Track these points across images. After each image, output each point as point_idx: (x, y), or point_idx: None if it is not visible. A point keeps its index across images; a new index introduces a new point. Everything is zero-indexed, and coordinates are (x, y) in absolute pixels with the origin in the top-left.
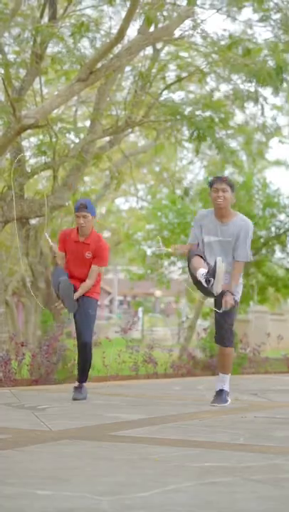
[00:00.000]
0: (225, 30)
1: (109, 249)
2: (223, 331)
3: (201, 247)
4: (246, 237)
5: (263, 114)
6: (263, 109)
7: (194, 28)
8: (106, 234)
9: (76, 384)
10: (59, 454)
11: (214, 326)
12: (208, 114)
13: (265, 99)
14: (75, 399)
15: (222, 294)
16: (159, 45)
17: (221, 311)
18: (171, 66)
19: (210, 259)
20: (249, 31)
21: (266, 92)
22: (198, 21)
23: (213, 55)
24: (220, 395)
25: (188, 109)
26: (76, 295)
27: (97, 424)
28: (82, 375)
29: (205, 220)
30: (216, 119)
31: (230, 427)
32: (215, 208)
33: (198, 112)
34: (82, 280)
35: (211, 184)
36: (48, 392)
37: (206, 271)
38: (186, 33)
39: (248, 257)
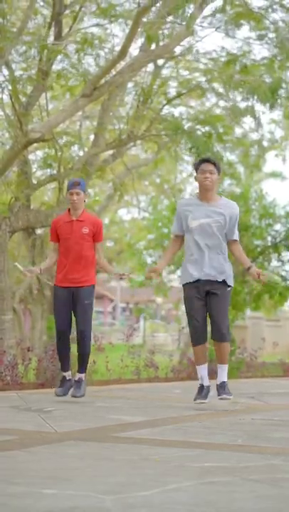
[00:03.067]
0: (223, 48)
1: (102, 223)
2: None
3: (188, 238)
4: (237, 218)
5: (258, 129)
6: (259, 124)
7: (190, 49)
8: (109, 243)
9: (76, 376)
10: (63, 455)
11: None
12: (207, 128)
13: (262, 113)
14: (73, 396)
15: (248, 269)
16: (160, 62)
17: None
18: (172, 82)
19: (198, 249)
20: (247, 49)
21: (263, 107)
22: (197, 40)
23: (213, 72)
24: (225, 386)
25: (187, 125)
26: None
27: (100, 426)
28: (81, 366)
29: (191, 206)
30: (214, 134)
31: (228, 429)
32: (200, 191)
33: (197, 127)
34: (80, 260)
35: (197, 166)
36: (53, 395)
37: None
38: (186, 50)
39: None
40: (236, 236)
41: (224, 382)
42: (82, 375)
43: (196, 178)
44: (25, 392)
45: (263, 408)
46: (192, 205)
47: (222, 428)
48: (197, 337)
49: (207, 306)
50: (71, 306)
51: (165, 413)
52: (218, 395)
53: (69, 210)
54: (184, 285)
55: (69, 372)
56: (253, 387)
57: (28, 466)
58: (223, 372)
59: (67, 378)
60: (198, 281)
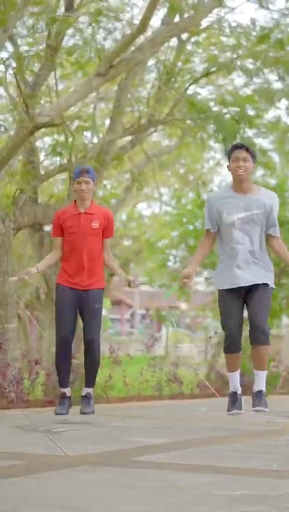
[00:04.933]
0: (255, 21)
1: (113, 216)
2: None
3: (224, 234)
4: (276, 210)
5: None
6: None
7: (218, 22)
8: (126, 242)
9: (83, 391)
10: (76, 481)
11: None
12: (235, 111)
13: None
14: (83, 413)
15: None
16: (184, 37)
17: None
18: (198, 59)
19: (233, 245)
20: (282, 22)
21: None
22: (226, 11)
23: (244, 48)
24: (262, 397)
25: (215, 108)
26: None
27: (117, 449)
28: (90, 379)
29: (225, 199)
30: (244, 118)
31: (262, 452)
32: (234, 181)
33: (225, 111)
34: (88, 260)
35: (229, 153)
36: (63, 414)
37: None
38: (214, 23)
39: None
40: (277, 233)
41: (261, 391)
42: (91, 390)
43: (228, 167)
44: (31, 411)
45: None
46: (226, 198)
47: (254, 451)
48: (231, 344)
49: (247, 307)
50: (76, 309)
51: (190, 434)
52: (253, 406)
53: (75, 201)
54: (219, 289)
55: (69, 389)
56: None
57: (36, 494)
58: (260, 381)
59: (68, 395)
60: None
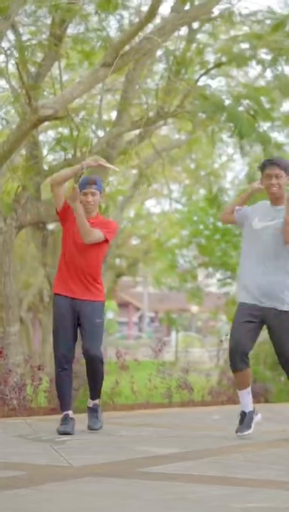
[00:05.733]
0: (270, 8)
1: (116, 226)
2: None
3: (251, 240)
4: None
5: None
6: None
7: (231, 9)
8: (134, 241)
9: (89, 403)
10: (81, 493)
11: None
12: (249, 103)
13: None
14: (91, 429)
15: None
16: (195, 25)
17: None
18: (210, 49)
19: (261, 253)
20: None
21: None
22: None
23: (258, 37)
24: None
25: (228, 101)
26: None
27: (124, 459)
28: (94, 391)
29: (257, 208)
30: (260, 111)
31: (276, 463)
32: (269, 198)
33: (239, 103)
34: (84, 267)
35: (262, 169)
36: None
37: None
38: (227, 11)
39: None
40: None
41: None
42: (97, 401)
43: (261, 182)
44: (34, 419)
45: None
46: (262, 207)
47: (268, 462)
48: (234, 361)
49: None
50: (75, 322)
51: (201, 444)
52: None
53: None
54: (239, 302)
55: (71, 412)
56: None
57: (39, 507)
58: None
59: (70, 417)
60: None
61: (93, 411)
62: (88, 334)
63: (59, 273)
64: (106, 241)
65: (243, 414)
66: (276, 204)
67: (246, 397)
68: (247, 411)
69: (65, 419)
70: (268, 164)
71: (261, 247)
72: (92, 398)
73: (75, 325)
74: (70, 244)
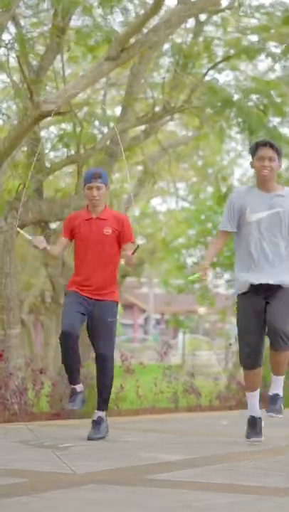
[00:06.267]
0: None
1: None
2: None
3: (245, 233)
4: None
5: None
6: None
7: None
8: (140, 241)
9: (94, 416)
10: (84, 501)
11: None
12: (257, 97)
13: None
14: (90, 439)
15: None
16: (203, 17)
17: None
18: (218, 42)
19: (255, 248)
20: None
21: None
22: None
23: (268, 29)
24: (278, 400)
25: (237, 96)
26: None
27: (129, 466)
28: (102, 401)
29: (248, 195)
30: (270, 105)
31: (285, 470)
32: (258, 181)
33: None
34: (99, 269)
35: (253, 150)
36: (71, 428)
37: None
38: (235, 2)
39: None
40: None
41: (277, 394)
42: (103, 414)
43: (252, 165)
44: (36, 424)
45: None
46: (250, 196)
47: (277, 469)
48: (249, 359)
49: (266, 313)
50: (85, 310)
51: (209, 450)
52: (267, 412)
53: (87, 206)
54: (237, 296)
55: (81, 385)
56: None
57: None
58: (277, 384)
59: (78, 390)
60: (254, 288)
61: (96, 424)
62: (100, 332)
63: (74, 274)
64: (119, 244)
65: (253, 420)
66: (267, 190)
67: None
68: (257, 416)
69: (73, 395)
70: (261, 145)
71: (257, 239)
72: (100, 408)
73: (84, 312)
74: (90, 247)
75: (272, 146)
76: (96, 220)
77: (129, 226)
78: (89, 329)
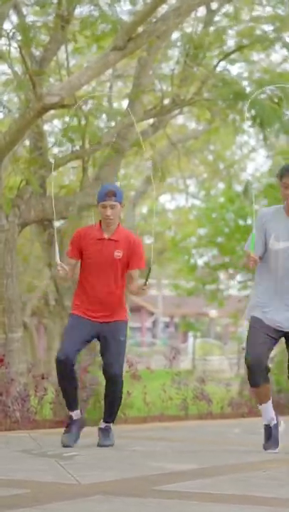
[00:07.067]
0: None
1: (142, 245)
2: None
3: (268, 260)
4: None
5: None
6: None
7: None
8: (148, 240)
9: (101, 424)
10: None
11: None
12: (272, 90)
13: None
14: (102, 445)
15: None
16: (214, 6)
17: None
18: (230, 31)
19: (278, 276)
20: None
21: None
22: None
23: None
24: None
25: (249, 88)
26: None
27: (136, 476)
28: (110, 414)
29: (272, 220)
30: (284, 98)
31: None
32: (286, 206)
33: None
34: (106, 294)
35: (280, 177)
36: (70, 447)
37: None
38: None
39: None
40: None
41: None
42: (110, 425)
43: (280, 184)
44: (39, 432)
45: None
46: (274, 220)
47: None
48: (253, 377)
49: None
50: (89, 336)
51: (220, 460)
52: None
53: (100, 222)
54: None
55: (77, 412)
56: None
57: None
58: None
59: (75, 418)
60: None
61: (105, 431)
62: (112, 351)
63: (77, 296)
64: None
65: (269, 429)
66: None
67: (270, 409)
68: (272, 425)
69: (69, 426)
70: (285, 173)
71: (281, 271)
72: (107, 420)
73: (87, 336)
74: (99, 268)
75: None
76: (108, 242)
77: (140, 250)
78: (100, 348)
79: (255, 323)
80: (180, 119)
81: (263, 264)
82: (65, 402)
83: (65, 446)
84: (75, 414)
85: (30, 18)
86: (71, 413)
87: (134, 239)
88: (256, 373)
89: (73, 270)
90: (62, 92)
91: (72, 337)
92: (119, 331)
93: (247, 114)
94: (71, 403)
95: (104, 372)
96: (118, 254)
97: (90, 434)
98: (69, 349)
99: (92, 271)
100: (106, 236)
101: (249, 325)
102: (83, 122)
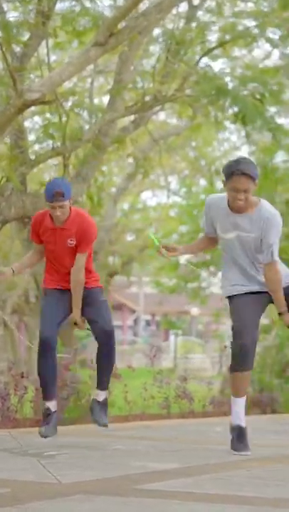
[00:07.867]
0: None
1: (95, 225)
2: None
3: (221, 244)
4: (278, 233)
5: None
6: None
7: None
8: (129, 237)
9: (99, 396)
10: None
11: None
12: (254, 86)
13: None
14: (101, 424)
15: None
16: (196, 1)
17: None
18: (212, 27)
19: (234, 260)
20: None
21: None
22: None
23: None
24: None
25: (232, 84)
26: (74, 310)
27: (118, 475)
28: (106, 380)
29: (217, 214)
30: (268, 94)
31: (285, 479)
32: (231, 205)
33: (243, 87)
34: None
35: (227, 176)
36: (56, 436)
37: None
38: None
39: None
40: (271, 255)
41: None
42: (106, 394)
43: (224, 184)
44: (19, 431)
45: None
46: (216, 210)
47: (276, 478)
48: (243, 360)
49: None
50: (66, 310)
51: (202, 459)
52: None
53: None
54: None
55: (54, 403)
56: None
57: None
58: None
59: (53, 410)
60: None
61: (104, 405)
62: (99, 311)
63: (47, 271)
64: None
65: (240, 429)
66: (237, 211)
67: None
68: (244, 425)
69: (47, 417)
70: (235, 175)
71: (235, 254)
72: (103, 387)
73: (64, 311)
74: (57, 254)
75: (246, 174)
76: (60, 231)
77: (88, 233)
78: (84, 315)
79: (240, 301)
80: (162, 116)
81: (223, 253)
82: (42, 392)
83: (43, 436)
84: (53, 406)
85: (10, 14)
86: (48, 404)
87: (84, 224)
88: (249, 354)
89: (40, 255)
90: (43, 88)
91: (51, 315)
92: (97, 294)
93: (229, 111)
94: (49, 391)
95: (96, 328)
96: (71, 242)
97: (71, 432)
98: (52, 328)
99: (54, 255)
100: (58, 226)
101: (234, 305)
102: (64, 119)
